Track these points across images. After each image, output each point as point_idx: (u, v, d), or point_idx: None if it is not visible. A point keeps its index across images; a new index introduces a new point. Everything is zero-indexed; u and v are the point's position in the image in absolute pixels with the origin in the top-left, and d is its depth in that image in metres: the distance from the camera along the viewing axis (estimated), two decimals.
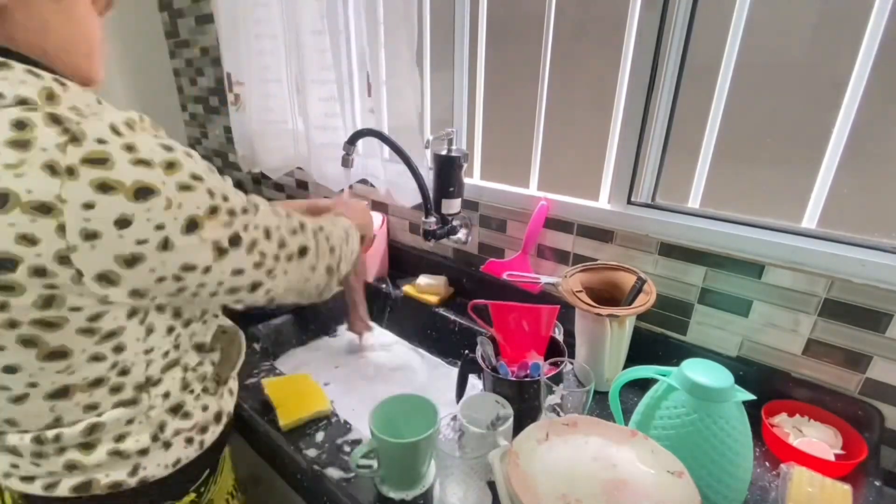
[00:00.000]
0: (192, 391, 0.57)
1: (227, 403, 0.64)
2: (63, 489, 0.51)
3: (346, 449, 0.74)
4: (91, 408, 0.49)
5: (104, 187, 0.39)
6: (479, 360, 0.80)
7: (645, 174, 0.89)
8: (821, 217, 0.77)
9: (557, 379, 0.73)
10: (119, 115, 0.42)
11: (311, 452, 0.73)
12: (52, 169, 0.38)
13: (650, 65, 0.82)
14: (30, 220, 0.38)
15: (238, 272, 0.49)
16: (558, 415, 0.71)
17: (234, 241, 0.48)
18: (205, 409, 0.58)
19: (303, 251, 0.57)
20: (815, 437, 0.72)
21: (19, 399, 0.46)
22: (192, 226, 0.44)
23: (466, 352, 0.82)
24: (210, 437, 0.60)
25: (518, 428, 0.63)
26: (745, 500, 0.64)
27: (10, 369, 0.44)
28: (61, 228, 0.38)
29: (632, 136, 0.87)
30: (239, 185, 1.88)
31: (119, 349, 0.47)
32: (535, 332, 0.82)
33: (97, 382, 0.48)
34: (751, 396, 0.60)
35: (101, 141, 0.39)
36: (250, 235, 0.50)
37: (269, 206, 0.55)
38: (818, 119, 0.74)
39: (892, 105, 0.69)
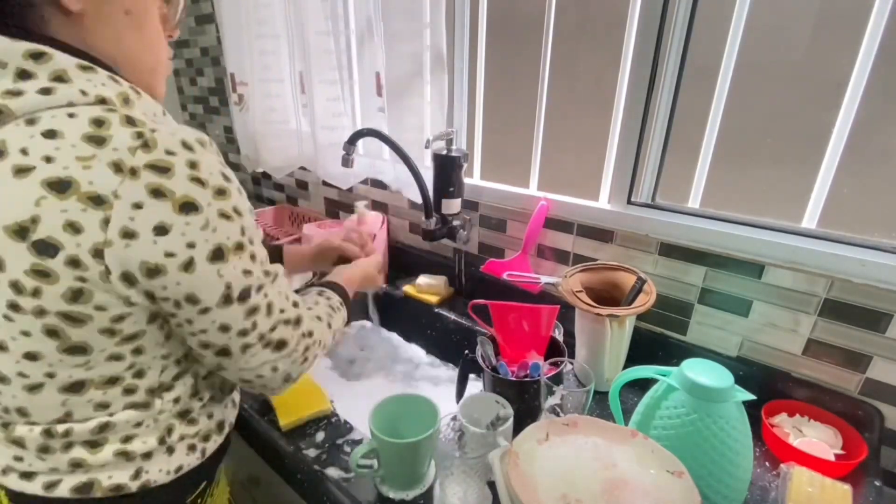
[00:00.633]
0: (200, 398, 0.57)
1: (230, 414, 0.64)
2: (63, 489, 0.50)
3: (346, 449, 0.74)
4: (103, 406, 0.49)
5: (157, 192, 0.41)
6: (479, 360, 0.80)
7: (645, 174, 0.89)
8: (821, 217, 0.77)
9: (557, 379, 0.73)
10: (192, 133, 0.45)
11: (311, 452, 0.73)
12: (117, 167, 0.40)
13: (650, 65, 0.82)
14: (81, 209, 0.40)
15: (224, 329, 0.49)
16: (558, 415, 0.71)
17: (243, 296, 0.49)
18: (210, 416, 0.59)
19: (281, 345, 0.54)
20: (815, 437, 0.72)
21: (35, 388, 0.47)
22: (218, 254, 0.45)
23: (466, 352, 0.82)
24: (212, 445, 0.60)
25: (518, 428, 0.63)
26: (745, 500, 0.64)
27: (32, 356, 0.45)
28: (105, 222, 0.41)
29: (632, 136, 0.87)
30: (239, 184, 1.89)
31: (138, 351, 0.49)
32: (535, 332, 0.82)
33: (112, 381, 0.49)
34: (751, 396, 0.60)
35: (169, 152, 0.42)
36: (256, 300, 0.50)
37: (283, 279, 0.55)
38: (818, 119, 0.74)
39: (892, 105, 0.69)
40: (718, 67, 0.79)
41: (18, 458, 0.51)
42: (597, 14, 0.90)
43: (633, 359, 0.87)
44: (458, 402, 0.81)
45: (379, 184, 1.31)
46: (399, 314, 1.22)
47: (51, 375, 0.46)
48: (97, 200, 0.40)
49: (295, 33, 1.25)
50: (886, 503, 0.68)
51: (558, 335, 0.90)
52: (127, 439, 0.51)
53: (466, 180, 1.11)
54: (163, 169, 0.41)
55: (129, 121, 0.42)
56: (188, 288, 0.45)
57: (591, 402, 0.76)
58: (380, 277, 0.92)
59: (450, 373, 1.08)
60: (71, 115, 0.42)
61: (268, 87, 1.38)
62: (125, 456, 0.51)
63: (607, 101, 0.91)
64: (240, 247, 0.47)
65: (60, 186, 0.40)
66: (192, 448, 0.57)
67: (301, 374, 0.60)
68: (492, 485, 0.60)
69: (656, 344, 0.92)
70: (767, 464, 0.71)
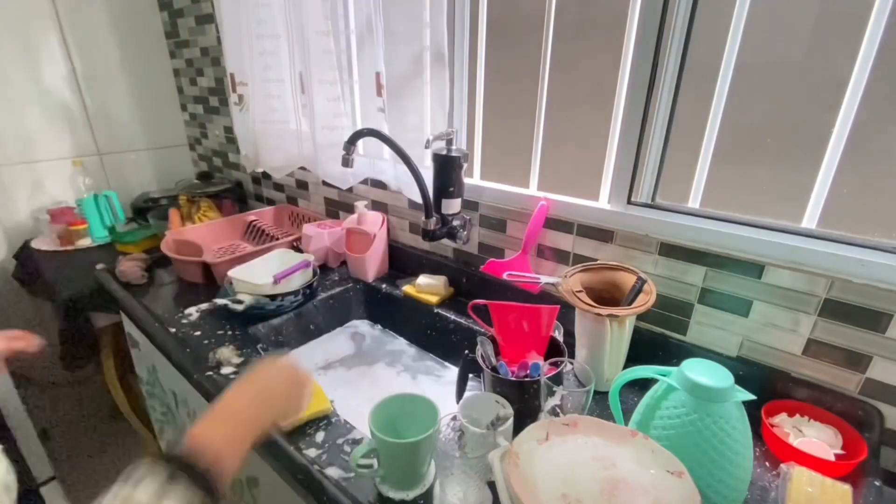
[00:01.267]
0: None
1: None
2: None
3: (347, 449, 0.74)
4: None
5: None
6: (479, 360, 0.80)
7: (645, 174, 0.89)
8: (821, 217, 0.77)
9: (557, 379, 0.73)
10: None
11: (311, 452, 0.73)
12: None
13: (650, 65, 0.82)
14: None
15: None
16: (558, 416, 0.71)
17: None
18: None
19: None
20: (815, 437, 0.72)
21: None
22: None
23: (466, 352, 0.82)
24: None
25: (518, 428, 0.63)
26: (745, 500, 0.64)
27: None
28: None
29: (632, 136, 0.87)
30: (239, 184, 1.89)
31: None
32: (535, 332, 0.82)
33: None
34: (751, 396, 0.60)
35: None
36: None
37: None
38: (818, 119, 0.74)
39: (892, 105, 0.69)
40: (718, 67, 0.79)
41: None
42: (597, 14, 0.90)
43: (633, 359, 0.87)
44: (458, 402, 0.81)
45: (379, 184, 1.31)
46: (399, 314, 1.22)
47: None
48: None
49: (295, 33, 1.25)
50: (886, 503, 0.68)
51: (558, 335, 0.90)
52: None
53: (466, 180, 1.11)
54: None
55: None
56: None
57: (591, 402, 0.76)
58: (303, 402, 0.65)
59: (450, 373, 1.08)
60: None
61: (268, 88, 1.38)
62: None
63: (607, 101, 0.91)
64: None
65: None
66: None
67: None
68: (492, 485, 0.60)
69: (656, 344, 0.92)
70: (767, 464, 0.71)
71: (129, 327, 1.34)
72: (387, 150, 1.20)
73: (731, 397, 0.60)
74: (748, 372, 0.82)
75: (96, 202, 1.66)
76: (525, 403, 0.75)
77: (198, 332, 1.03)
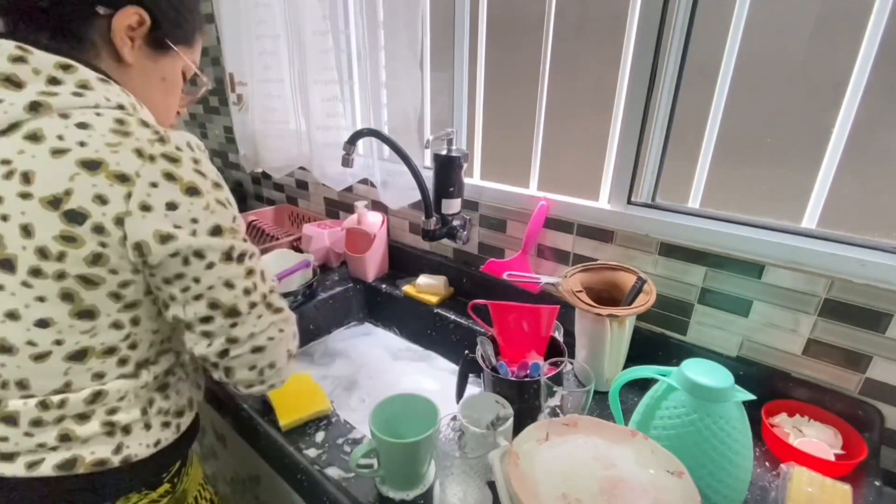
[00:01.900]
0: (176, 375, 0.64)
1: (197, 394, 0.69)
2: (46, 467, 0.52)
3: (346, 449, 0.74)
4: (99, 376, 0.54)
5: (169, 176, 0.50)
6: (479, 360, 0.80)
7: (645, 174, 0.89)
8: (821, 217, 0.77)
9: (557, 379, 0.73)
10: (194, 138, 0.55)
11: (311, 452, 0.73)
12: (139, 153, 0.49)
13: (650, 65, 0.82)
14: (108, 185, 0.48)
15: (229, 285, 0.55)
16: (558, 416, 0.71)
17: (241, 257, 0.57)
18: (181, 393, 0.65)
19: (279, 310, 0.63)
20: (815, 437, 0.72)
21: (41, 357, 0.51)
22: (216, 231, 0.54)
23: (466, 352, 0.82)
24: (185, 421, 0.64)
25: (518, 428, 0.63)
26: (745, 500, 0.64)
27: (43, 323, 0.50)
28: (128, 196, 0.48)
29: (632, 136, 0.87)
30: (239, 184, 1.89)
31: (135, 322, 0.55)
32: (535, 332, 0.82)
33: (110, 351, 0.54)
34: (751, 396, 0.60)
35: (178, 148, 0.52)
36: (251, 263, 0.58)
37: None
38: (818, 119, 0.74)
39: (893, 105, 0.69)
40: (718, 67, 0.79)
41: (3, 439, 0.52)
42: (597, 14, 0.90)
43: (633, 359, 0.87)
44: (458, 402, 0.81)
45: None
46: (399, 314, 1.22)
47: (59, 343, 0.51)
48: (122, 178, 0.48)
49: (293, 33, 1.25)
50: (886, 503, 0.68)
51: (558, 335, 0.90)
52: (112, 411, 0.56)
53: (466, 180, 1.11)
54: (174, 159, 0.51)
55: (144, 123, 0.52)
56: (194, 247, 0.52)
57: (591, 402, 0.76)
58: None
59: (449, 373, 1.08)
60: (98, 114, 0.50)
61: (267, 88, 1.38)
62: (110, 427, 0.55)
63: (607, 101, 0.91)
64: (233, 230, 0.55)
65: (92, 165, 0.48)
66: (166, 424, 0.61)
67: (291, 357, 0.66)
68: (492, 485, 0.60)
69: (656, 344, 0.92)
70: (767, 464, 0.71)
71: None
72: (387, 151, 1.20)
73: (731, 397, 0.60)
74: (748, 372, 0.82)
75: None
76: (525, 403, 0.75)
77: None
